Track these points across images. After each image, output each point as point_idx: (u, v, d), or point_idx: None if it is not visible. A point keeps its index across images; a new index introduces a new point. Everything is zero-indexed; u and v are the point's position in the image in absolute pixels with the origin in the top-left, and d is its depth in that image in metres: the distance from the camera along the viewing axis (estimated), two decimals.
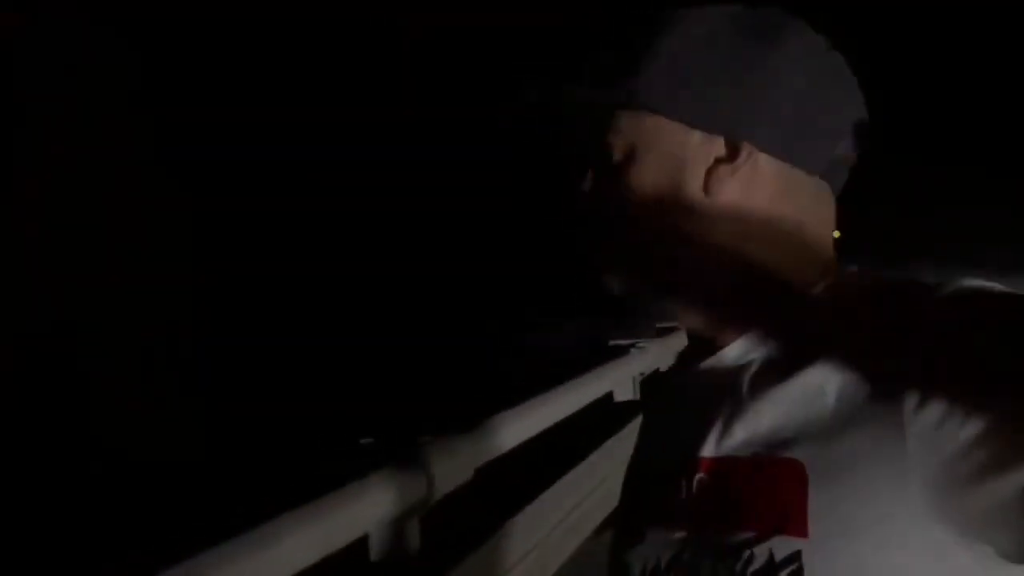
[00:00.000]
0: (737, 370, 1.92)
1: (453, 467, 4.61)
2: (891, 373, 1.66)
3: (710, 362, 1.97)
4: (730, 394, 1.91)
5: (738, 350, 1.93)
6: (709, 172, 1.84)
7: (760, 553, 1.71)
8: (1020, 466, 1.46)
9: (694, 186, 1.85)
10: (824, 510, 1.66)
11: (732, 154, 1.84)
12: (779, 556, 1.69)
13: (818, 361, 1.79)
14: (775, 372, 1.85)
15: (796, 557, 1.67)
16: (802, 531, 1.67)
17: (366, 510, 4.02)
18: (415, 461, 4.37)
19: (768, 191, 1.87)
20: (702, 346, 2.00)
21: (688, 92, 1.87)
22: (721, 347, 1.93)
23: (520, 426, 5.61)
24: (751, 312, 1.90)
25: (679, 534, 1.89)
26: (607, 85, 1.90)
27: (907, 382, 1.63)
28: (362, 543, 4.04)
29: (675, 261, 1.90)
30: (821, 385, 1.76)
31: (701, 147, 1.86)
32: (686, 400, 2.03)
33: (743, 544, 1.75)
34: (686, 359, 2.08)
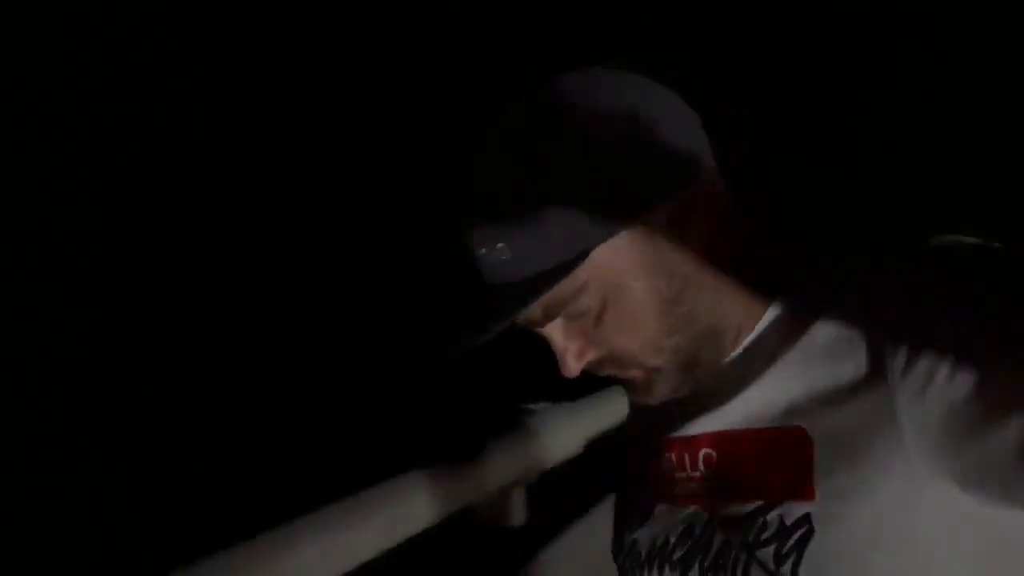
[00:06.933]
0: (730, 365, 1.94)
1: (564, 438, 4.59)
2: (876, 345, 1.70)
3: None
4: (725, 382, 1.94)
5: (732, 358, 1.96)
6: (600, 290, 1.85)
7: (771, 520, 1.75)
8: (1004, 422, 1.51)
9: (595, 306, 1.87)
10: (829, 474, 1.71)
11: (594, 267, 1.82)
12: (789, 520, 1.73)
13: (810, 339, 1.81)
14: (767, 358, 1.88)
15: (806, 520, 1.71)
16: (810, 495, 1.72)
17: (475, 479, 4.06)
18: (527, 430, 4.37)
19: (648, 267, 1.86)
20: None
21: (538, 246, 1.83)
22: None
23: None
24: (692, 360, 1.92)
25: (688, 510, 1.94)
26: (505, 302, 1.86)
27: (891, 351, 1.67)
28: (467, 512, 4.09)
29: (635, 356, 1.92)
30: (815, 359, 1.79)
31: (582, 273, 1.83)
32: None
33: (753, 513, 1.79)
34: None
